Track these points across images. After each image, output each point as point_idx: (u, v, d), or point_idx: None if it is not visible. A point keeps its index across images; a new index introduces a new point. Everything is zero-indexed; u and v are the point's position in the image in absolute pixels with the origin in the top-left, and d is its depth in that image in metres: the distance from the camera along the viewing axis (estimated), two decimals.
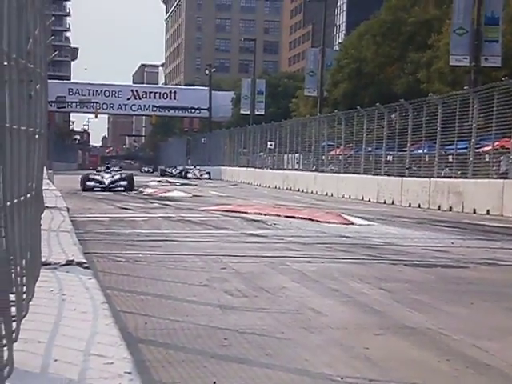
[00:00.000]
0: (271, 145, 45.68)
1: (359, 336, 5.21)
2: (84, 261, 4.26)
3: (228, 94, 77.97)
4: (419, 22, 42.89)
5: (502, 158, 22.50)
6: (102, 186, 30.89)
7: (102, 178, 31.71)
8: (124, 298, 6.28)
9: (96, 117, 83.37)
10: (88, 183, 30.87)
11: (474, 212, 20.90)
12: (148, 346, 4.69)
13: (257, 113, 60.80)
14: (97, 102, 79.78)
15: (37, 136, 2.65)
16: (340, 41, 71.17)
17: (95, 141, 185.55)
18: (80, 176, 32.46)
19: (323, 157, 36.96)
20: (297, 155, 41.45)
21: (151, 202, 23.12)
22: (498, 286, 7.64)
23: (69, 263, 4.11)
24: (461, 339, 5.14)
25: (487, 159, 22.89)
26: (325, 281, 7.67)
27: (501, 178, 21.33)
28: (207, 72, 76.41)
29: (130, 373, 1.94)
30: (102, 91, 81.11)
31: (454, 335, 5.24)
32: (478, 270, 8.82)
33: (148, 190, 31.08)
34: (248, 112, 61.93)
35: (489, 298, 6.86)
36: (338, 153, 34.87)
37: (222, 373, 4.20)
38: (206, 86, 79.80)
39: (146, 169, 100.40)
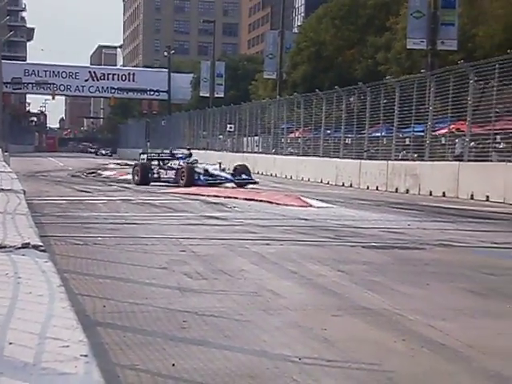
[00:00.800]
0: (231, 127, 45.58)
1: (317, 317, 5.26)
2: (40, 244, 4.22)
3: (187, 76, 77.39)
4: (378, 5, 43.09)
5: (457, 140, 22.83)
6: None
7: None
8: (82, 281, 6.24)
9: (53, 98, 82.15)
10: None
11: (431, 194, 21.19)
12: (106, 329, 4.67)
13: (216, 95, 60.50)
14: (54, 84, 78.52)
15: None
16: (299, 23, 71.05)
17: (52, 123, 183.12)
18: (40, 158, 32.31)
19: (282, 139, 37.03)
20: (256, 138, 41.44)
21: (110, 185, 22.94)
22: (453, 267, 7.77)
23: (25, 246, 4.06)
24: (416, 319, 5.22)
25: (443, 142, 23.19)
26: (283, 263, 7.71)
27: (456, 160, 21.64)
28: (166, 54, 75.65)
29: (86, 355, 1.93)
30: (59, 72, 79.82)
31: (410, 315, 5.32)
32: (433, 252, 8.96)
33: (107, 173, 30.83)
34: (207, 95, 61.59)
35: (444, 279, 6.98)
36: (297, 135, 34.97)
37: (181, 355, 4.20)
38: (165, 68, 79.07)
39: (104, 152, 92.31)
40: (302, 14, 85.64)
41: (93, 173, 31.02)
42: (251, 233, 10.49)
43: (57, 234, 9.40)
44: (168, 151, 26.45)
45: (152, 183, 22.69)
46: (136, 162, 24.30)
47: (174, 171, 22.78)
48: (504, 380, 3.94)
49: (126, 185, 22.88)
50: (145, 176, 22.96)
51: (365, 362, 4.19)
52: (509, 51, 19.47)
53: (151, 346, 4.37)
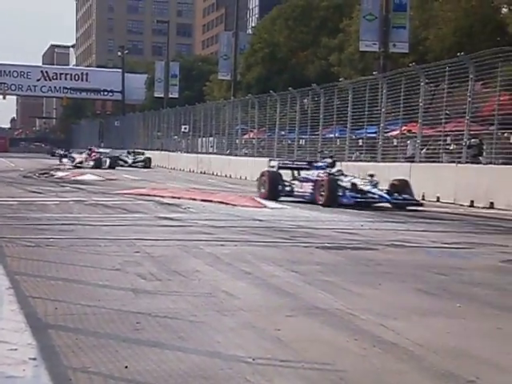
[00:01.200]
0: (185, 128, 45.44)
1: (271, 318, 5.28)
2: None
3: (141, 76, 76.92)
4: (331, 7, 43.42)
5: (408, 142, 23.13)
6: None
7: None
8: (33, 284, 6.15)
9: (4, 98, 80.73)
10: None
11: None
12: (58, 332, 4.61)
13: (171, 96, 60.23)
14: (5, 83, 77.32)
15: None
16: (253, 25, 71.22)
17: (3, 123, 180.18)
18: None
19: (237, 140, 37.06)
20: (211, 139, 41.41)
21: (63, 186, 22.64)
22: (405, 267, 7.87)
23: None
24: (368, 319, 5.28)
25: (395, 143, 23.48)
26: (238, 264, 7.72)
27: (408, 161, 21.93)
28: (120, 54, 75.07)
29: (34, 359, 1.91)
30: (10, 72, 78.61)
31: (362, 315, 5.38)
32: (386, 252, 9.06)
33: (59, 174, 30.43)
34: (162, 95, 61.30)
35: (396, 279, 7.07)
36: (251, 136, 35.05)
37: (134, 357, 4.18)
38: (118, 68, 78.42)
39: (62, 152, 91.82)
40: (256, 16, 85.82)
41: (45, 173, 30.59)
42: (206, 234, 10.47)
43: (8, 236, 9.25)
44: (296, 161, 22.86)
45: (282, 198, 18.31)
46: (262, 172, 19.49)
47: (311, 184, 17.97)
48: (454, 378, 4.01)
49: (79, 185, 22.63)
50: (274, 188, 18.54)
51: (317, 361, 4.22)
52: (459, 54, 19.82)
53: (104, 348, 4.33)
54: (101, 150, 45.57)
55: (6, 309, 2.50)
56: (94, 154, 39.73)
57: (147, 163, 44.84)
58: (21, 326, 2.27)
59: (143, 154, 47.62)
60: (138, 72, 79.64)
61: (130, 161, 45.90)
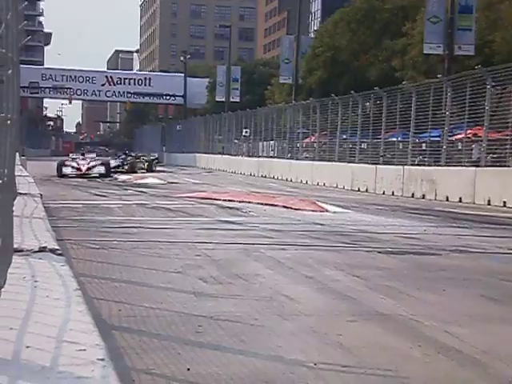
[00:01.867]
0: (246, 132, 45.61)
1: (332, 323, 5.25)
2: (57, 247, 4.24)
3: (203, 80, 77.60)
4: (394, 10, 42.99)
5: (474, 145, 22.70)
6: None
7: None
8: (98, 285, 6.26)
9: (70, 103, 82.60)
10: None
11: (447, 199, 21.08)
12: (122, 333, 4.69)
13: (232, 100, 60.58)
14: (70, 88, 78.97)
15: (9, 122, 2.62)
16: (315, 28, 71.04)
17: (69, 127, 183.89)
18: (56, 162, 32.00)
19: (298, 144, 36.99)
20: (272, 142, 41.44)
21: (126, 189, 23.01)
22: (469, 273, 7.73)
23: (42, 250, 4.09)
24: (432, 325, 5.20)
25: (460, 147, 23.07)
26: (299, 268, 7.70)
27: (473, 165, 21.53)
28: (182, 58, 75.84)
29: (102, 359, 1.94)
30: (75, 77, 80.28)
31: (426, 321, 5.30)
32: (449, 257, 8.91)
33: (122, 177, 30.93)
34: (223, 99, 61.70)
35: (460, 285, 6.94)
36: (312, 140, 34.92)
37: (196, 359, 4.21)
38: (181, 72, 79.25)
39: (140, 154, 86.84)
40: (319, 19, 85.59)
41: (109, 176, 31.12)
42: (266, 237, 10.48)
43: (73, 238, 9.44)
44: None
45: None
46: None
47: None
48: None
49: (142, 189, 22.96)
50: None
51: (380, 367, 4.18)
52: None
53: (166, 350, 4.38)
54: (139, 154, 44.07)
55: (75, 309, 2.55)
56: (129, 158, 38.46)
57: (133, 166, 38.53)
58: (89, 326, 2.30)
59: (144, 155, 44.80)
60: (200, 76, 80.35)
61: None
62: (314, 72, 45.78)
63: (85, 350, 2.03)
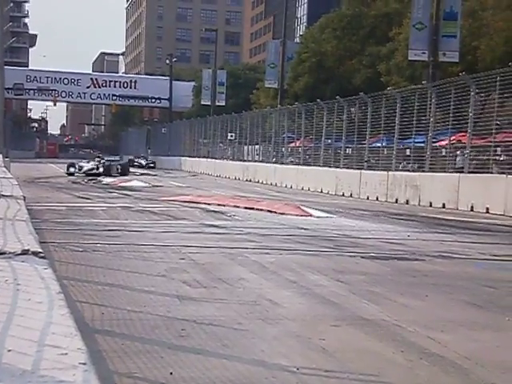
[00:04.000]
0: (231, 136, 45.62)
1: (316, 327, 5.26)
2: (40, 250, 4.21)
3: (189, 84, 77.55)
4: (380, 16, 43.17)
5: (458, 152, 22.82)
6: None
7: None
8: (81, 288, 6.23)
9: (54, 105, 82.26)
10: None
11: (431, 205, 21.18)
12: (104, 337, 4.67)
13: (217, 104, 60.62)
14: (55, 90, 78.66)
15: None
16: (301, 33, 71.21)
17: (53, 129, 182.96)
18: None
19: (283, 149, 37.05)
20: (257, 147, 41.48)
21: (110, 192, 22.93)
22: (453, 278, 7.76)
23: (24, 253, 4.06)
24: (415, 331, 5.21)
25: (444, 153, 23.19)
26: (283, 272, 7.71)
27: (456, 171, 21.64)
28: (168, 62, 75.84)
29: (84, 363, 1.93)
30: (60, 79, 80.00)
31: (409, 327, 5.31)
32: (433, 263, 8.95)
33: (107, 180, 30.84)
34: (209, 103, 61.72)
35: (443, 291, 6.97)
36: (297, 145, 34.99)
37: (179, 363, 4.20)
38: (166, 75, 79.24)
39: (112, 158, 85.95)
40: (305, 24, 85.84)
41: (93, 179, 31.05)
42: (251, 241, 10.48)
43: (56, 241, 9.40)
44: None
45: None
46: None
47: None
48: None
49: (126, 192, 22.89)
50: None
51: (363, 372, 4.18)
52: (510, 64, 19.51)
53: (149, 353, 4.36)
54: (111, 157, 47.35)
55: (57, 313, 2.53)
56: (103, 161, 40.30)
57: (124, 170, 42.90)
58: (71, 330, 2.29)
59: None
60: (186, 80, 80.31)
61: (144, 163, 59.44)
62: (299, 78, 45.86)
63: (67, 353, 2.02)
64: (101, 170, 37.43)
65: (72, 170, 37.17)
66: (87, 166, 37.57)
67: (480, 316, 5.91)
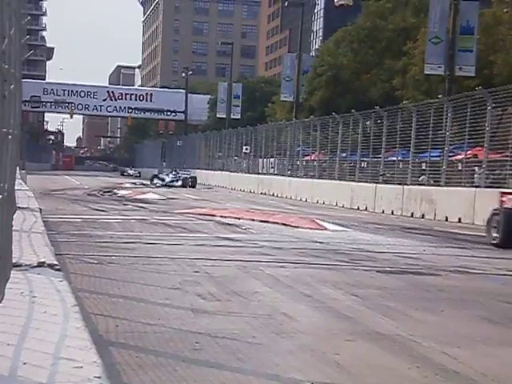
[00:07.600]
0: (247, 149, 45.68)
1: (330, 342, 5.23)
2: (55, 263, 4.23)
3: (204, 97, 77.80)
4: (397, 30, 43.15)
5: (476, 169, 22.67)
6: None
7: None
8: (95, 301, 6.24)
9: (71, 117, 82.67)
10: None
11: (446, 220, 21.07)
12: (119, 349, 4.67)
13: (233, 117, 60.72)
14: (72, 103, 79.18)
15: (10, 136, 2.63)
16: (317, 47, 71.33)
17: (70, 141, 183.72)
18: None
19: (298, 162, 37.04)
20: (272, 160, 41.50)
21: (125, 204, 22.99)
22: (469, 293, 7.71)
23: (40, 265, 4.08)
24: (430, 346, 5.17)
25: (460, 167, 23.09)
26: (297, 286, 7.68)
27: (472, 186, 21.53)
28: (184, 75, 76.13)
29: (99, 377, 1.93)
30: (77, 91, 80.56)
31: (424, 342, 5.27)
32: (448, 278, 8.89)
33: (122, 192, 30.94)
34: (224, 116, 61.86)
35: (459, 306, 6.92)
36: (312, 158, 34.97)
37: (193, 377, 4.19)
38: (182, 88, 79.52)
39: (131, 172, 75.47)
40: (320, 38, 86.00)
41: (108, 192, 31.16)
42: (265, 255, 10.46)
43: (72, 253, 9.42)
44: None
45: None
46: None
47: None
48: None
49: (141, 204, 22.95)
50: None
51: None
52: None
53: (163, 367, 4.36)
54: (186, 172, 48.36)
55: (72, 326, 2.54)
56: (178, 175, 44.31)
57: (194, 182, 44.96)
58: (86, 343, 2.29)
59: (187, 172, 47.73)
60: (201, 93, 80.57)
61: (167, 179, 44.29)
62: (315, 92, 45.86)
63: (81, 367, 2.02)
64: (180, 182, 42.70)
65: (156, 181, 43.12)
66: (168, 178, 43.54)
67: (496, 332, 5.86)
